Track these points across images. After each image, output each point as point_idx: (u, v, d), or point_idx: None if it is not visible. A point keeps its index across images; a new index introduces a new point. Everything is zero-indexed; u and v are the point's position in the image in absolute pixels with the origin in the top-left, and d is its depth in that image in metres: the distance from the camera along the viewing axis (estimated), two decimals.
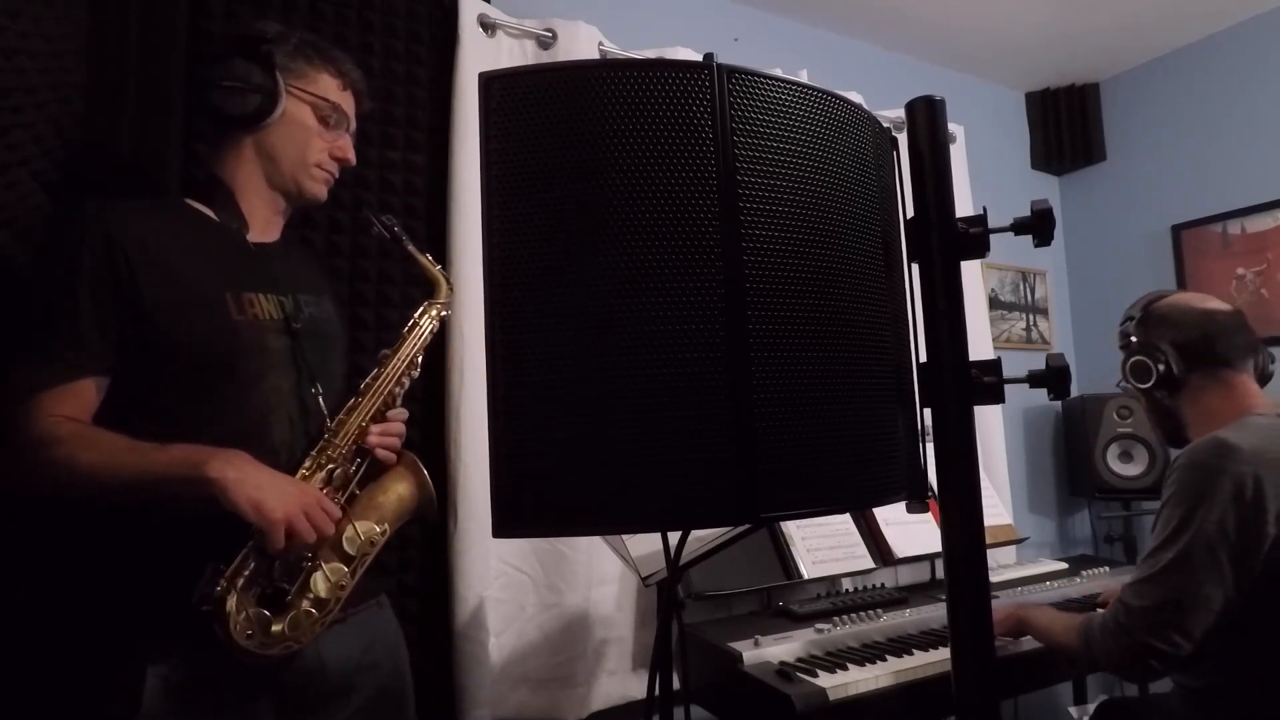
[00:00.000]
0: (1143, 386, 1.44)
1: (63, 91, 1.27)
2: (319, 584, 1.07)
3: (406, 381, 1.24)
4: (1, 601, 1.15)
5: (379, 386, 1.20)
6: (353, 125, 1.29)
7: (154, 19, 1.46)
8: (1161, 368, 1.41)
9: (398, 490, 1.21)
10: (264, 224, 1.22)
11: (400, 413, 1.24)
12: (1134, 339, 1.46)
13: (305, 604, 1.05)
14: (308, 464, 1.11)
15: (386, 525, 1.17)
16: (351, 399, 1.18)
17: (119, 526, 1.05)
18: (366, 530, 1.13)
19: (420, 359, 1.26)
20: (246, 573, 1.01)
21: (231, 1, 1.57)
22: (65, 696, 1.09)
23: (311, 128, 1.21)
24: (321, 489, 1.10)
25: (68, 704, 1.09)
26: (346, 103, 1.26)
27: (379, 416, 1.19)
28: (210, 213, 1.18)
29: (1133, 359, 1.44)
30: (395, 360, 1.22)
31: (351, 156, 1.27)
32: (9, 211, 1.13)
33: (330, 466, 1.12)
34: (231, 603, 0.99)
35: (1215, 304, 1.47)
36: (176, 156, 1.47)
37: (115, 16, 1.40)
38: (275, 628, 1.02)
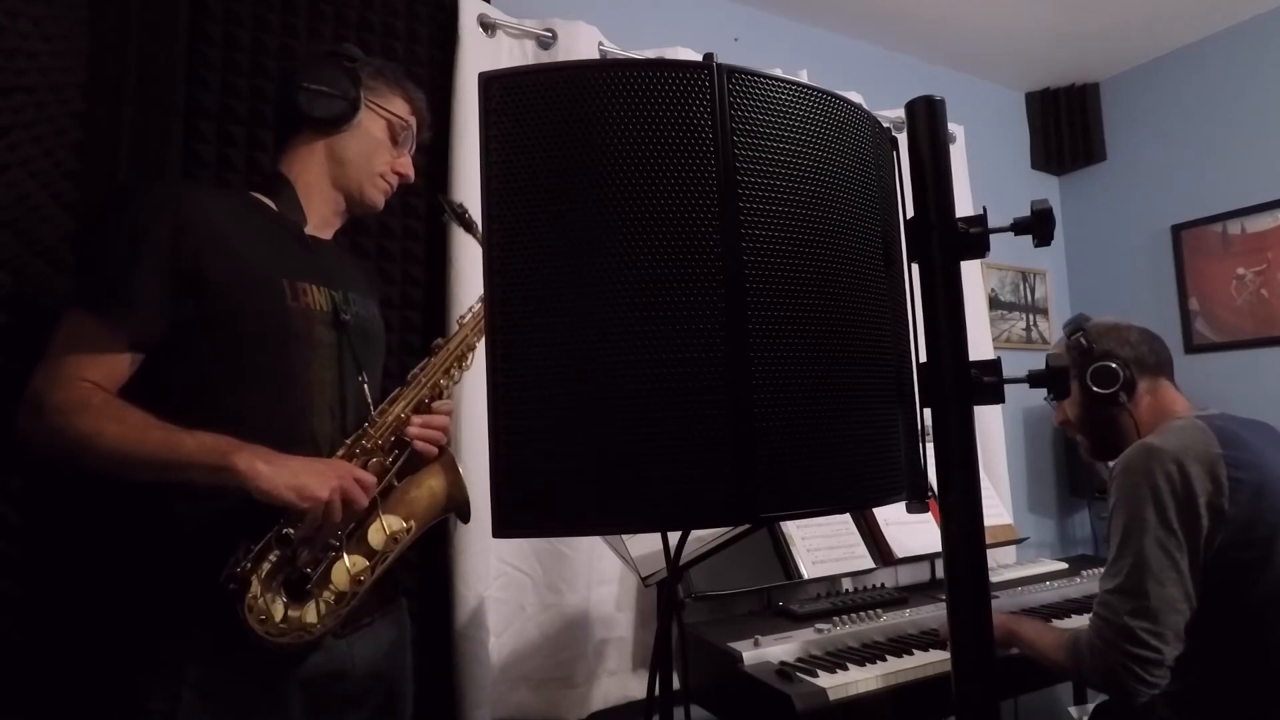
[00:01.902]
0: (1105, 391, 1.50)
1: (63, 92, 1.27)
2: (339, 575, 1.07)
3: (456, 374, 1.24)
4: (40, 594, 1.16)
5: (424, 376, 1.20)
6: (414, 147, 1.36)
7: (154, 19, 1.46)
8: (1125, 373, 1.50)
9: (430, 486, 1.20)
10: (321, 222, 1.27)
11: (445, 404, 1.24)
12: (1095, 347, 1.53)
13: (325, 593, 1.06)
14: (342, 452, 1.12)
15: (414, 523, 1.16)
16: (397, 389, 1.19)
17: (154, 519, 1.05)
18: (393, 525, 1.12)
19: (473, 352, 1.25)
20: (272, 556, 1.02)
21: (231, 1, 1.57)
22: (104, 692, 1.10)
23: (383, 141, 1.28)
24: None
25: (107, 700, 1.09)
26: (413, 126, 1.34)
27: (422, 408, 1.20)
28: (271, 204, 1.22)
29: (1096, 364, 1.51)
30: (445, 350, 1.22)
31: (411, 174, 1.34)
32: (9, 211, 1.13)
33: (365, 456, 1.13)
34: (255, 584, 1.00)
35: (1135, 324, 1.61)
36: (176, 156, 1.48)
37: (115, 16, 1.40)
38: (293, 614, 1.02)
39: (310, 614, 1.03)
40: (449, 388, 1.24)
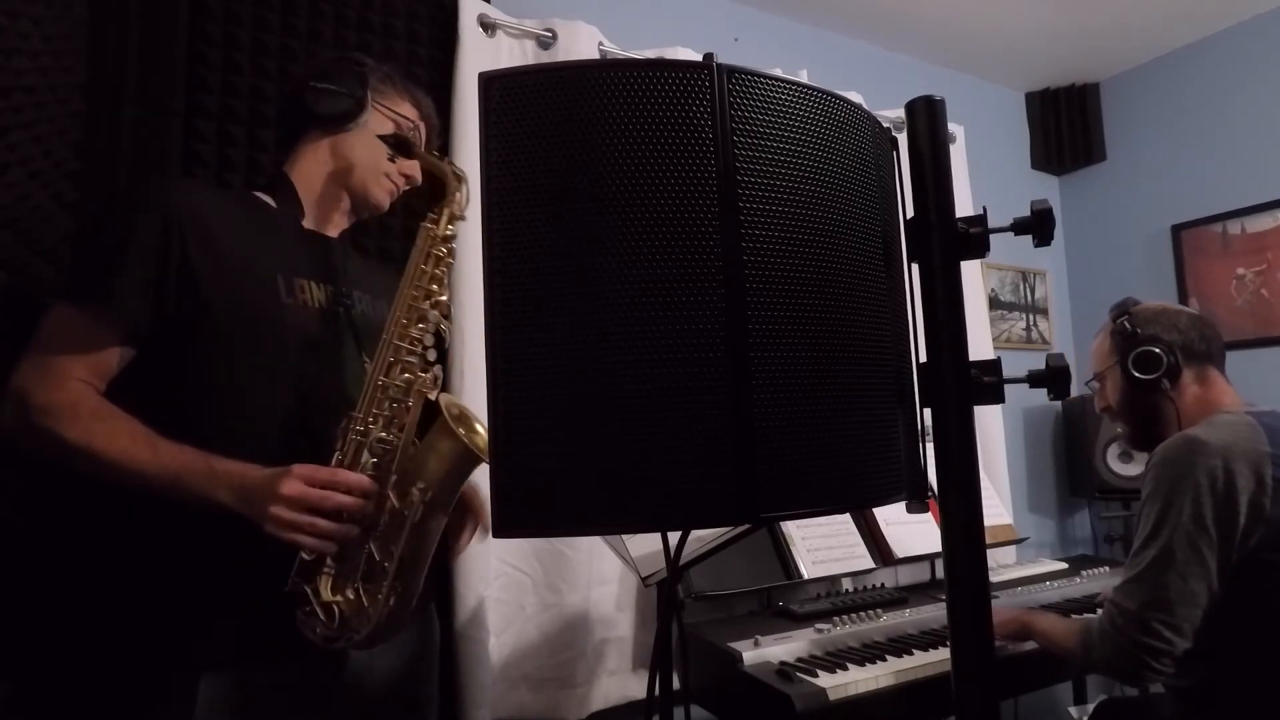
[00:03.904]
0: (1147, 377, 1.45)
1: (63, 91, 1.27)
2: (374, 564, 1.04)
3: (433, 315, 1.11)
4: (61, 596, 1.16)
5: (388, 335, 1.10)
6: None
7: (154, 19, 1.46)
8: (1170, 359, 1.44)
9: (437, 448, 1.10)
10: (324, 219, 1.25)
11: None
12: (1139, 331, 1.48)
13: (372, 586, 1.04)
14: (340, 447, 1.06)
15: (420, 488, 1.06)
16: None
17: (178, 525, 1.04)
18: (401, 499, 1.05)
19: (438, 279, 1.13)
20: (327, 565, 1.02)
21: (231, 1, 1.57)
22: (120, 698, 1.09)
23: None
24: (368, 466, 1.05)
25: (122, 706, 1.09)
26: (421, 130, 1.32)
27: (394, 369, 1.09)
28: (271, 202, 1.21)
29: (1140, 349, 1.46)
30: (400, 295, 1.12)
31: (419, 177, 1.30)
32: (9, 211, 1.13)
33: (365, 439, 1.06)
34: (310, 592, 1.01)
35: (1188, 308, 1.56)
36: (176, 156, 1.48)
37: (115, 17, 1.40)
38: (345, 612, 1.02)
39: (360, 613, 1.02)
40: (425, 336, 1.10)
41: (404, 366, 1.09)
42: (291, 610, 1.02)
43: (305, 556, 1.01)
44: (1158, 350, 1.45)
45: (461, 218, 1.18)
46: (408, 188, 1.31)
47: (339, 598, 1.03)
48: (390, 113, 1.26)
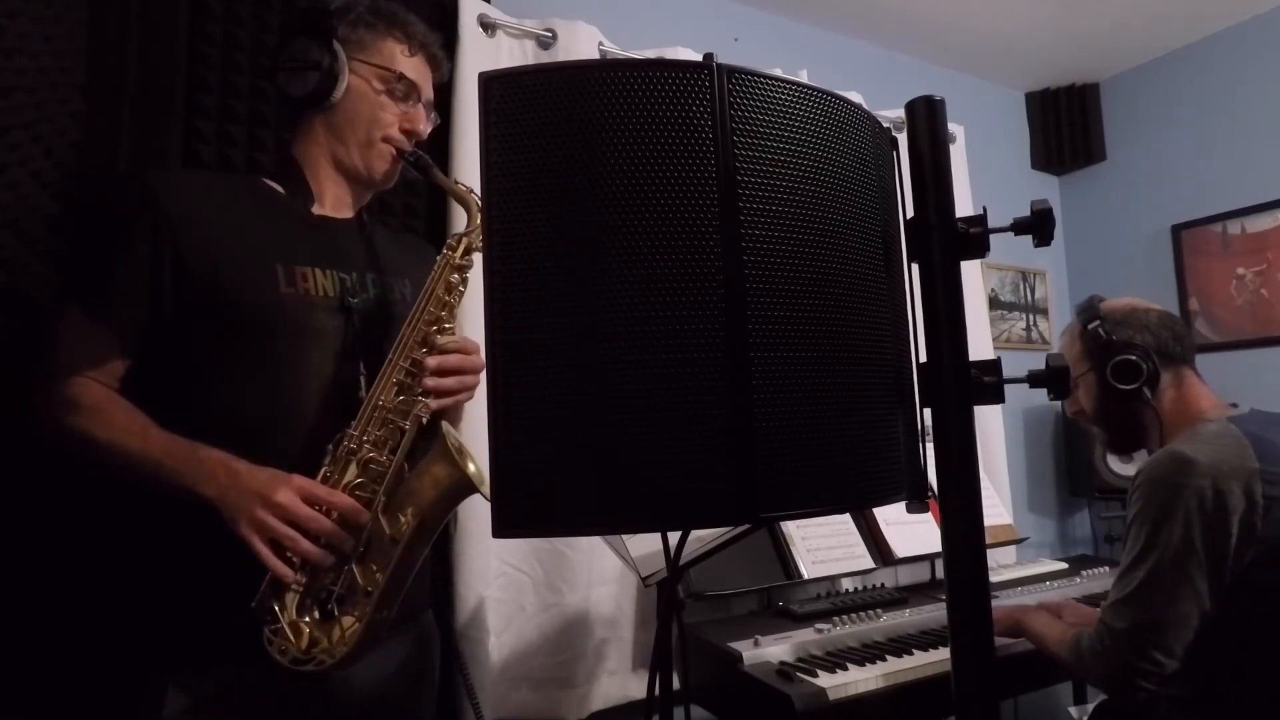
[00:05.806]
0: (1128, 387, 1.40)
1: (63, 91, 1.27)
2: (354, 589, 1.00)
3: (440, 339, 1.09)
4: (42, 598, 1.15)
5: (395, 356, 1.07)
6: (426, 93, 1.22)
7: (154, 19, 1.45)
8: (1147, 365, 1.40)
9: (433, 474, 1.07)
10: (336, 202, 1.19)
11: (453, 341, 1.09)
12: (1114, 338, 1.43)
13: (347, 612, 1.00)
14: (328, 463, 1.03)
15: (416, 516, 1.04)
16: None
17: (152, 527, 1.04)
18: (390, 524, 1.03)
19: (449, 307, 1.11)
20: (294, 585, 0.98)
21: (231, 1, 1.57)
22: (87, 700, 1.09)
23: (378, 100, 1.16)
24: (353, 485, 1.03)
25: (89, 708, 1.08)
26: (415, 69, 1.19)
27: (404, 388, 1.07)
28: (279, 188, 1.16)
29: (1119, 358, 1.41)
30: (411, 319, 1.08)
31: (422, 128, 1.20)
32: (9, 212, 1.13)
33: (355, 458, 1.03)
34: (280, 614, 0.97)
35: (1158, 305, 1.49)
36: (176, 157, 1.47)
37: (115, 16, 1.40)
38: (318, 636, 0.99)
39: (335, 635, 0.99)
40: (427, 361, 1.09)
41: (405, 389, 1.07)
42: (262, 622, 0.98)
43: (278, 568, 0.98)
44: (1135, 358, 1.39)
45: (478, 249, 1.11)
46: (418, 139, 1.21)
47: (309, 619, 0.99)
48: (370, 66, 1.15)
